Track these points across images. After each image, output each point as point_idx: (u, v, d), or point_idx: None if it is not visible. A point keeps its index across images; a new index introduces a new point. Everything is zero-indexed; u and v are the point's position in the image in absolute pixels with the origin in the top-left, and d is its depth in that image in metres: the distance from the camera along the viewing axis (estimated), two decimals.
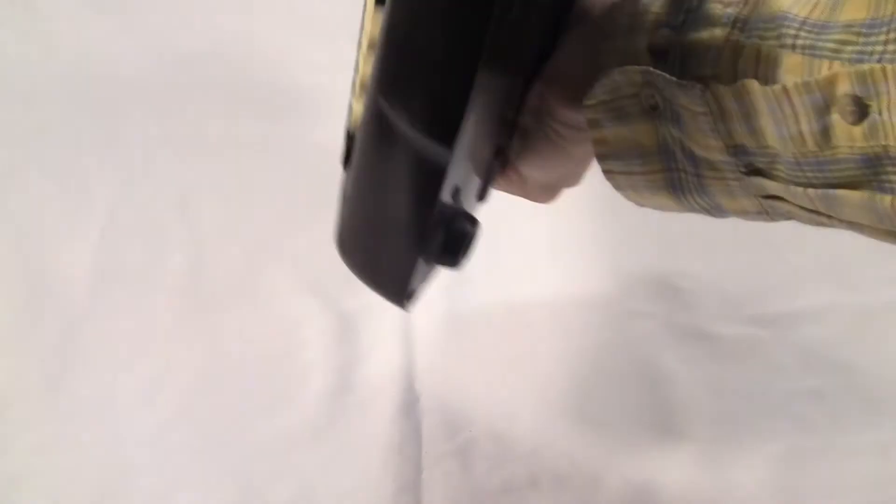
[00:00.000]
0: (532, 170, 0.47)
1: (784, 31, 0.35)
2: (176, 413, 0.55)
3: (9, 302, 0.64)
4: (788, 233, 0.70)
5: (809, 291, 0.64)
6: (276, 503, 0.50)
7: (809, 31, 0.34)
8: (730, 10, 0.37)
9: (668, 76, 0.37)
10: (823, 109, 0.33)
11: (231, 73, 0.84)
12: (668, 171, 0.40)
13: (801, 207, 0.36)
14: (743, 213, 0.39)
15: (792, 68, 0.35)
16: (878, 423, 0.54)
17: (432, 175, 0.37)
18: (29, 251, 0.68)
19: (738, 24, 0.37)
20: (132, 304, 0.64)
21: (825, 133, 0.33)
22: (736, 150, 0.37)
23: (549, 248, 0.64)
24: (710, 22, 0.38)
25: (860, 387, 0.57)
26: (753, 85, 0.35)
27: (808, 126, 0.34)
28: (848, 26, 0.33)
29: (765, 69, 0.36)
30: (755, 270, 0.66)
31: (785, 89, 0.34)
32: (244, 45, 0.86)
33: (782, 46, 0.35)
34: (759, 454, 0.53)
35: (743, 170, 0.37)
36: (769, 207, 0.38)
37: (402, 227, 0.40)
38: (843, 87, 0.32)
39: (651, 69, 0.38)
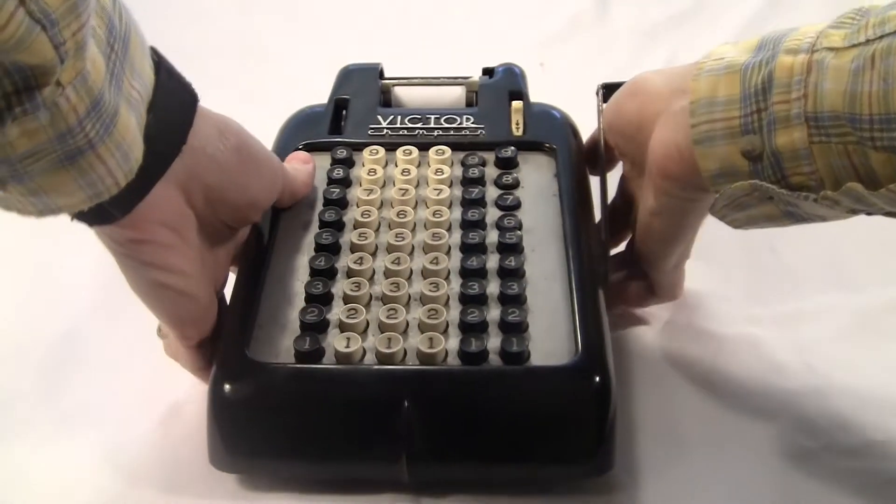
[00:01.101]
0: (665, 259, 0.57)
1: (861, 133, 0.41)
2: (176, 413, 0.56)
3: (9, 302, 0.64)
4: (788, 233, 0.70)
5: (809, 291, 0.64)
6: (275, 502, 0.50)
7: (880, 130, 0.40)
8: (796, 109, 0.43)
9: (777, 189, 0.44)
10: None
11: (232, 72, 0.84)
12: (796, 222, 0.48)
13: None
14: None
15: (881, 165, 0.41)
16: (878, 424, 0.54)
17: None
18: (29, 250, 0.68)
19: (811, 121, 0.42)
20: (132, 303, 0.64)
21: None
22: (856, 210, 0.44)
23: None
24: (786, 122, 0.43)
25: (860, 386, 0.57)
26: (858, 188, 0.41)
27: None
28: None
29: (859, 162, 0.41)
30: (755, 270, 0.66)
31: (889, 189, 0.40)
32: (245, 44, 0.86)
33: (865, 146, 0.41)
34: (758, 454, 0.53)
35: (864, 214, 0.45)
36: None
37: None
38: None
39: (759, 183, 0.45)
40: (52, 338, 0.61)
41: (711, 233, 0.69)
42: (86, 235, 0.69)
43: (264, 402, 0.48)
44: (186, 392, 0.57)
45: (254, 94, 0.83)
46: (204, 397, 0.56)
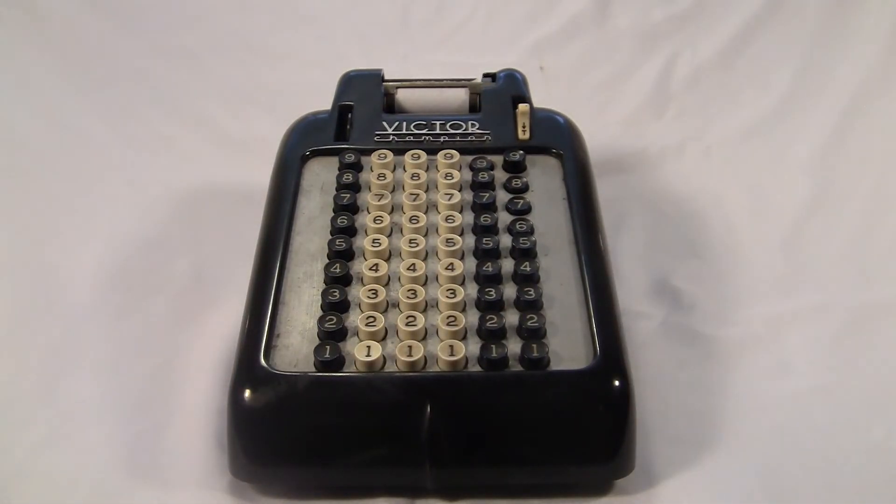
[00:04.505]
0: None
1: None
2: (176, 413, 0.56)
3: (9, 302, 0.64)
4: (788, 232, 0.70)
5: (809, 291, 0.64)
6: (275, 500, 0.50)
7: None
8: None
9: None
10: None
11: (233, 72, 0.84)
12: None
13: None
14: None
15: None
16: (878, 423, 0.54)
17: None
18: (30, 250, 0.68)
19: None
20: (133, 303, 0.64)
21: None
22: None
23: None
24: None
25: (860, 386, 0.57)
26: None
27: None
28: None
29: None
30: (754, 270, 0.66)
31: None
32: (246, 44, 0.86)
33: None
34: (758, 454, 0.53)
35: None
36: None
37: None
38: None
39: None
40: (53, 338, 0.61)
41: (710, 232, 0.70)
42: (85, 236, 0.69)
43: (287, 411, 0.48)
44: (186, 392, 0.57)
45: (254, 95, 0.83)
46: (202, 398, 0.56)
